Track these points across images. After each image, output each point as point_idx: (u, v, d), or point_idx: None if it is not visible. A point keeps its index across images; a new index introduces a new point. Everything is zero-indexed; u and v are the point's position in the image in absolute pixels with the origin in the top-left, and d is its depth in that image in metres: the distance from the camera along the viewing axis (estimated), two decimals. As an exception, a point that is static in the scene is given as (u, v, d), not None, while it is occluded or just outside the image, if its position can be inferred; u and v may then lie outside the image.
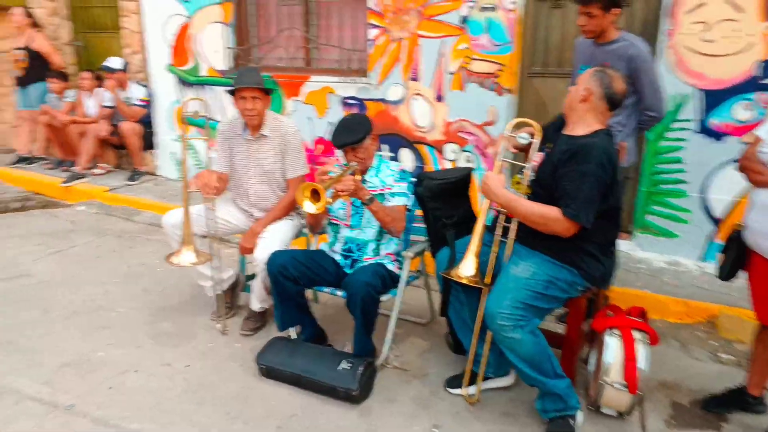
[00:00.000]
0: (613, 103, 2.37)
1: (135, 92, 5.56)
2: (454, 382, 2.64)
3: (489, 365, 2.58)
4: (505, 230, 2.46)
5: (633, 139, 3.09)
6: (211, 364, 2.76)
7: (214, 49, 5.35)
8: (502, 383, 2.63)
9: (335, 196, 2.51)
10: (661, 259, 3.88)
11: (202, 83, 5.49)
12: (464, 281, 2.35)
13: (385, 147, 4.76)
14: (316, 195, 2.36)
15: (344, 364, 2.52)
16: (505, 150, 2.51)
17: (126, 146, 5.59)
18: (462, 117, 4.49)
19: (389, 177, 2.79)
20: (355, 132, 2.68)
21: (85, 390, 2.49)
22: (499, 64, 4.26)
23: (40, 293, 3.41)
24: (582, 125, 2.39)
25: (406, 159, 4.74)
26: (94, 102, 5.76)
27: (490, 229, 2.52)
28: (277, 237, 2.91)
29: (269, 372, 2.63)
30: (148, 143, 5.75)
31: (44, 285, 3.53)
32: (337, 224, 2.86)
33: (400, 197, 2.75)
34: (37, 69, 5.77)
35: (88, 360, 2.73)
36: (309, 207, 2.36)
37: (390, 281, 2.75)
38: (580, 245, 2.35)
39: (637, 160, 3.15)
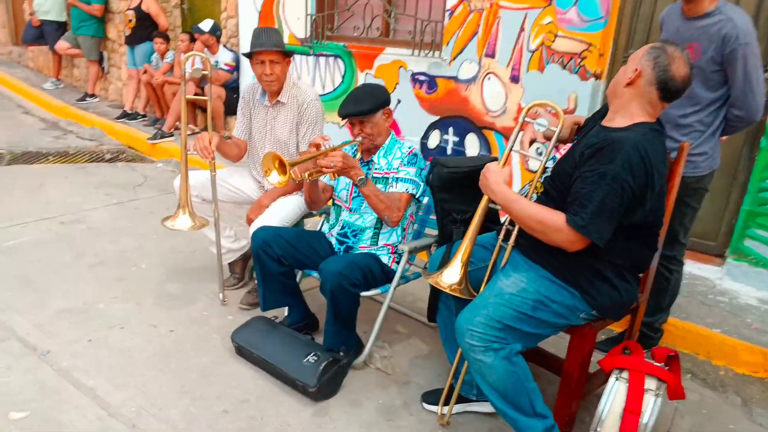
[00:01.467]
0: (667, 90, 1.87)
1: (223, 56, 5.69)
2: (432, 397, 2.32)
3: (473, 385, 2.23)
4: (509, 234, 2.07)
5: (715, 141, 2.48)
6: (194, 332, 2.70)
7: (296, 15, 5.28)
8: (484, 408, 2.26)
9: (317, 172, 2.27)
10: (752, 294, 3.16)
11: (283, 51, 5.46)
12: (445, 289, 2.01)
13: (450, 131, 4.40)
14: (284, 167, 2.14)
15: (311, 358, 2.31)
16: (518, 138, 2.09)
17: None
18: (538, 99, 3.98)
19: (397, 160, 2.49)
20: (363, 102, 2.41)
21: (67, 339, 2.55)
22: (587, 43, 3.69)
23: (82, 239, 3.60)
24: (623, 115, 1.92)
25: (472, 146, 4.34)
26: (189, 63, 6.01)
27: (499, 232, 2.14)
28: (277, 212, 2.75)
29: (240, 351, 2.50)
30: (233, 108, 5.88)
31: (90, 232, 3.72)
32: (339, 205, 2.63)
33: (404, 183, 2.44)
34: (144, 29, 6.15)
35: (87, 310, 2.80)
36: (274, 178, 2.15)
37: (382, 276, 2.47)
38: (591, 264, 1.90)
39: (718, 167, 2.53)
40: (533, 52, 3.93)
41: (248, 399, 2.26)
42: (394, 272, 2.49)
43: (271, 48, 2.70)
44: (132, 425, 2.06)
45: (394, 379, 2.48)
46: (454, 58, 4.30)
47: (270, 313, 2.65)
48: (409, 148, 2.52)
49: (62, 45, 7.21)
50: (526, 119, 2.08)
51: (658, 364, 1.97)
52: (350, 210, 2.57)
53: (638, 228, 1.91)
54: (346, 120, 2.46)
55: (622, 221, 1.83)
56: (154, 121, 6.27)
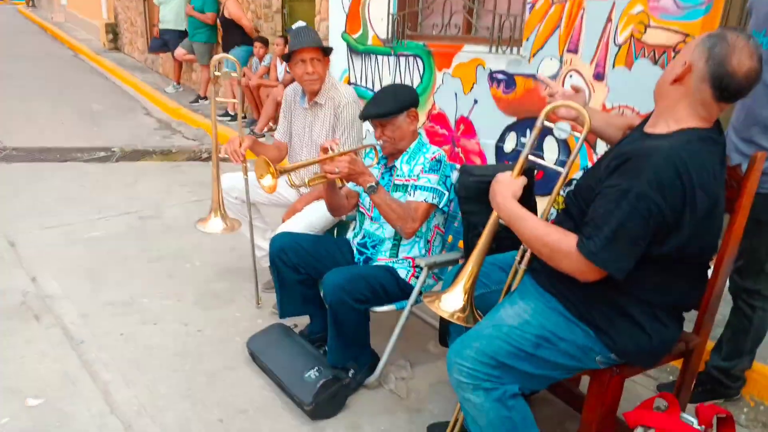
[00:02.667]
0: (723, 89, 1.50)
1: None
2: (438, 429, 2.08)
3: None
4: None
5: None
6: (220, 334, 2.70)
7: (380, 16, 5.20)
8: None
9: (319, 178, 2.13)
10: None
11: (367, 52, 5.42)
12: (445, 316, 1.78)
13: (527, 134, 4.04)
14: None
15: (312, 373, 2.19)
16: (534, 143, 1.80)
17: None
18: (624, 103, 3.51)
19: (419, 166, 2.28)
20: (384, 103, 2.24)
21: (103, 331, 2.67)
22: (683, 33, 3.17)
23: (153, 234, 3.80)
24: (668, 119, 1.58)
25: (551, 150, 3.95)
26: (283, 67, 6.19)
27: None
28: (306, 216, 2.67)
29: (253, 357, 2.45)
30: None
31: (162, 228, 3.93)
32: (363, 213, 2.48)
33: (423, 192, 2.23)
34: (233, 35, 6.46)
35: (131, 304, 2.92)
36: (266, 181, 2.05)
37: (398, 292, 2.28)
38: (613, 299, 1.58)
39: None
40: (620, 46, 3.46)
41: (247, 410, 2.20)
42: (412, 288, 2.28)
43: (311, 45, 2.62)
44: (128, 425, 2.08)
45: (407, 405, 2.28)
46: (534, 55, 3.94)
47: (294, 321, 2.57)
48: (434, 152, 2.30)
49: (180, 51, 7.82)
50: (545, 123, 1.78)
51: (699, 428, 1.58)
52: (371, 218, 2.41)
53: (677, 259, 1.54)
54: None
55: (649, 251, 1.48)
56: (251, 123, 6.54)
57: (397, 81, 5.13)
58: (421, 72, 4.90)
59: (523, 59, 4.00)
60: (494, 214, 1.77)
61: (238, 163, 2.67)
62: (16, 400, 2.18)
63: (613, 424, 1.77)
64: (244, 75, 6.43)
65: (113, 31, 12.03)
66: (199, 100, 7.73)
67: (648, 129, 1.64)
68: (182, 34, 8.01)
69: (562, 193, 2.04)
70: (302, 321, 2.62)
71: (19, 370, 2.34)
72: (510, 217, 1.66)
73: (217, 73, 2.74)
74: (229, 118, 6.87)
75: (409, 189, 2.27)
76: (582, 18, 3.62)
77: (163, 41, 8.24)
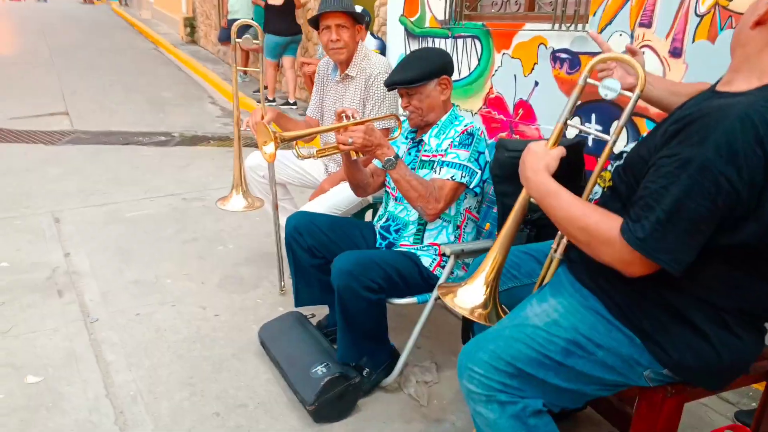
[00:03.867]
0: None
1: (369, 44, 5.56)
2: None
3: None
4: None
5: None
6: (237, 320, 2.53)
7: (437, -5, 4.90)
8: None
9: (331, 149, 1.89)
10: None
11: (424, 35, 5.13)
12: (463, 313, 1.50)
13: (592, 118, 3.62)
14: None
15: (320, 369, 1.96)
16: (574, 107, 1.48)
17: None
18: (706, 80, 3.04)
19: (448, 140, 2.00)
20: (410, 68, 1.97)
21: (119, 309, 2.57)
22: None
23: (192, 216, 3.72)
24: (749, 71, 1.24)
25: (620, 136, 3.50)
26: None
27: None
28: (330, 197, 2.45)
29: (263, 346, 2.26)
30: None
31: (203, 210, 3.84)
32: (388, 193, 2.22)
33: (449, 169, 1.94)
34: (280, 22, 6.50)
35: (154, 284, 2.82)
36: (269, 149, 1.84)
37: (422, 282, 2.01)
38: (669, 299, 1.25)
39: None
40: (702, 16, 2.99)
41: (247, 404, 2.00)
42: (437, 280, 2.00)
43: (336, 9, 2.39)
44: (120, 411, 1.94)
45: (426, 413, 2.00)
46: (602, 30, 3.51)
47: (313, 310, 2.36)
48: (467, 125, 2.00)
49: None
50: (589, 81, 1.45)
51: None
52: (396, 199, 2.14)
53: (754, 251, 1.17)
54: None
55: (718, 240, 1.13)
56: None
57: (455, 64, 4.82)
58: (479, 54, 4.56)
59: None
60: (524, 191, 1.46)
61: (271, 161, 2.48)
62: (16, 376, 2.10)
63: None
64: (302, 65, 6.33)
65: (191, 24, 12.42)
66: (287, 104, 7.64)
67: (721, 87, 1.29)
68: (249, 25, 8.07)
69: (609, 169, 1.69)
70: (323, 311, 2.40)
71: (27, 346, 2.28)
72: (540, 193, 1.35)
73: (238, 41, 2.57)
74: (288, 106, 6.79)
75: (435, 165, 1.99)
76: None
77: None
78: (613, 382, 1.32)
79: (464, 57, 4.75)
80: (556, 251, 1.48)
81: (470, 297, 1.50)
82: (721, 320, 1.23)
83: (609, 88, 1.41)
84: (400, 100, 2.10)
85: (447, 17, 4.78)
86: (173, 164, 4.92)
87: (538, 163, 1.38)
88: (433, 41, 4.97)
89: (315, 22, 2.48)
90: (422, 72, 1.96)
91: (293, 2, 6.80)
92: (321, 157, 1.92)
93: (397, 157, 1.88)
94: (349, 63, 2.53)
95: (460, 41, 4.72)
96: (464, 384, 1.36)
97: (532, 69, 4.02)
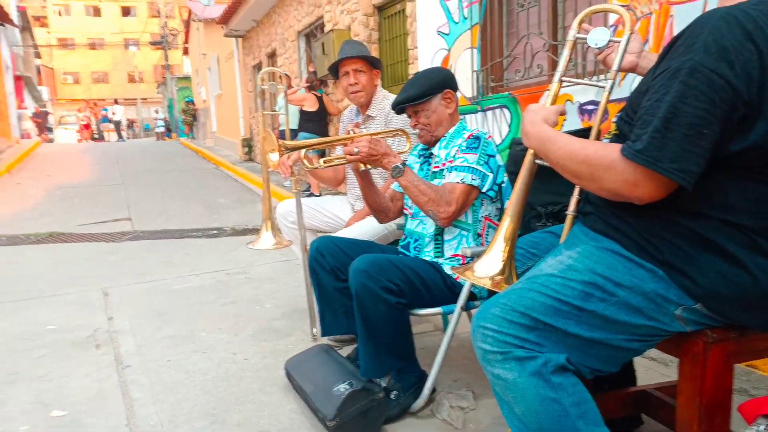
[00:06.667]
0: None
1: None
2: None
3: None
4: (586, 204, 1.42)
5: None
6: (266, 362, 2.46)
7: (465, 76, 5.16)
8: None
9: (337, 159, 1.93)
10: None
11: (457, 112, 5.33)
12: (479, 283, 1.43)
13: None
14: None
15: (343, 386, 1.84)
16: (566, 64, 1.48)
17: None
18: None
19: (455, 147, 2.01)
20: (413, 86, 2.05)
21: (152, 358, 2.56)
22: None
23: (233, 286, 3.77)
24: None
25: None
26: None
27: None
28: (354, 228, 2.45)
29: (288, 377, 2.16)
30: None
31: (244, 281, 3.90)
32: (406, 214, 2.21)
33: (458, 172, 1.93)
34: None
35: (189, 336, 2.82)
36: (273, 157, 1.89)
37: (446, 290, 1.93)
38: (688, 224, 1.16)
39: None
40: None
41: (269, 431, 1.88)
42: (460, 287, 1.91)
43: (353, 55, 2.56)
44: (138, 437, 1.87)
45: (459, 437, 1.81)
46: (625, 77, 3.56)
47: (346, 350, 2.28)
48: (472, 131, 2.01)
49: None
50: (578, 36, 1.46)
51: None
52: (412, 216, 2.13)
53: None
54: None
55: (729, 146, 1.07)
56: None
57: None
58: (509, 120, 4.67)
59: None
60: (529, 152, 1.43)
61: (286, 176, 2.58)
62: (43, 411, 2.09)
63: (727, 427, 1.21)
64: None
65: (248, 144, 13.43)
66: (311, 194, 8.09)
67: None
68: (296, 132, 8.67)
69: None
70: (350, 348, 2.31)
71: (58, 388, 2.28)
72: (539, 141, 1.32)
73: (264, 87, 2.76)
74: (313, 197, 7.06)
75: (444, 172, 1.98)
76: (671, 26, 3.24)
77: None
78: (644, 330, 1.19)
79: (495, 127, 4.87)
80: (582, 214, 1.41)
81: (488, 267, 1.42)
82: (752, 243, 1.11)
83: (599, 38, 1.42)
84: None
85: (475, 93, 4.99)
86: (222, 249, 5.08)
87: (536, 116, 1.37)
88: (464, 118, 5.15)
89: (335, 71, 2.66)
90: (424, 88, 2.03)
91: (325, 110, 7.52)
92: (328, 166, 1.97)
93: (404, 164, 1.90)
94: (369, 105, 2.66)
95: (489, 113, 4.87)
96: (477, 345, 1.25)
97: (563, 125, 4.05)
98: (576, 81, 1.53)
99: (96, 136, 26.50)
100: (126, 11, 41.88)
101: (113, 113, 25.85)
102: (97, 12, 41.62)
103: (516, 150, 2.05)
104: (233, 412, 2.03)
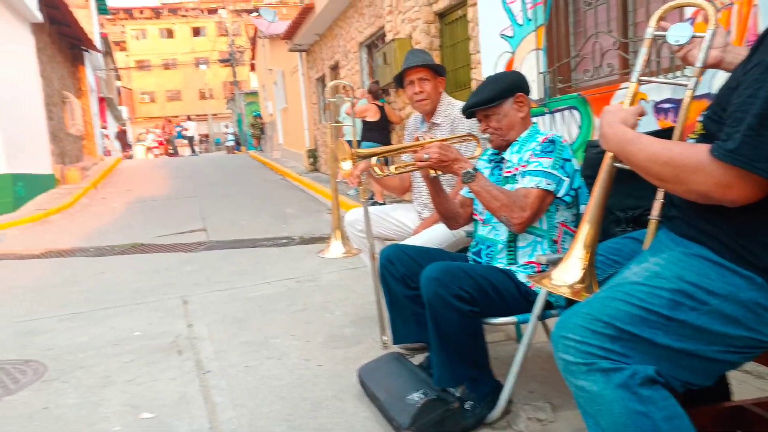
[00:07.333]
0: None
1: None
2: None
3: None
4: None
5: None
6: (339, 369, 2.50)
7: (531, 78, 5.06)
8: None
9: (408, 166, 1.93)
10: None
11: (523, 116, 5.24)
12: (557, 291, 1.40)
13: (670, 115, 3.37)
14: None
15: (417, 395, 1.85)
16: (644, 61, 1.42)
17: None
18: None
19: (528, 152, 1.97)
20: (483, 90, 2.03)
21: (230, 363, 2.66)
22: None
23: (303, 293, 3.86)
24: None
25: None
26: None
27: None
28: (423, 234, 2.46)
29: (362, 384, 2.18)
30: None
31: (314, 288, 3.98)
32: (477, 220, 2.18)
33: (532, 177, 1.89)
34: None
35: (263, 343, 2.91)
36: (345, 165, 1.92)
37: (520, 299, 1.89)
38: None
39: None
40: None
41: (339, 440, 1.91)
42: (536, 296, 1.86)
43: (417, 64, 2.58)
44: (221, 440, 1.94)
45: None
46: (703, 72, 3.38)
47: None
48: (547, 134, 1.97)
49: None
50: (656, 33, 1.40)
51: None
52: (483, 222, 2.10)
53: None
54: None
55: None
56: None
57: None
58: (578, 122, 4.54)
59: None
60: (607, 155, 1.39)
61: (354, 185, 2.61)
62: (133, 413, 2.21)
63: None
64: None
65: (313, 155, 13.74)
66: (375, 203, 8.18)
67: None
68: (359, 143, 8.81)
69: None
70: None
71: (146, 391, 2.41)
72: (618, 144, 1.28)
73: (331, 99, 2.81)
74: (377, 205, 7.10)
75: (517, 176, 1.95)
76: (755, 16, 3.05)
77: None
78: (741, 341, 1.12)
79: (564, 129, 4.75)
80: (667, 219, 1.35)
81: (566, 275, 1.39)
82: None
83: (679, 34, 1.36)
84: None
85: (542, 95, 4.88)
86: (291, 258, 5.22)
87: (614, 118, 1.33)
88: (536, 121, 5.05)
89: (399, 80, 2.67)
90: (495, 92, 2.01)
91: (387, 120, 7.58)
92: (399, 173, 1.98)
93: (475, 169, 1.88)
94: (433, 113, 2.66)
95: (557, 115, 4.75)
96: (559, 356, 1.22)
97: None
98: (656, 80, 1.49)
99: (171, 151, 27.93)
100: (196, 32, 44.05)
101: (186, 129, 27.19)
102: (170, 34, 44.04)
103: (592, 153, 1.98)
104: (309, 418, 2.07)
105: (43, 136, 10.97)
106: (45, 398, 2.41)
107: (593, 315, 1.18)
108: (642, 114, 1.37)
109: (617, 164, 1.37)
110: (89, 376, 2.62)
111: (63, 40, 13.89)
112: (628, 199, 1.83)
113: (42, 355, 2.93)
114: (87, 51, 15.96)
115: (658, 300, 1.14)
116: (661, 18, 1.41)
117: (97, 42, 18.52)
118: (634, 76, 1.42)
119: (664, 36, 1.40)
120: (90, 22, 18.09)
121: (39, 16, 10.59)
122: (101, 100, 21.68)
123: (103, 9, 21.67)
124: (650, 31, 1.41)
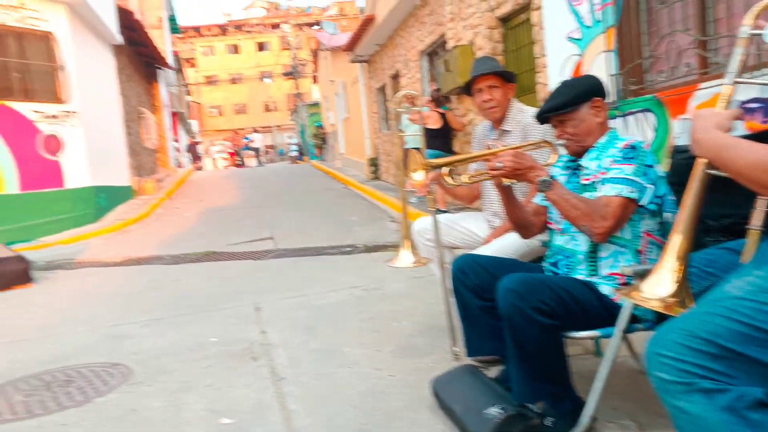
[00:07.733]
0: None
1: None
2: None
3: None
4: None
5: None
6: (410, 379, 2.49)
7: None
8: None
9: (481, 175, 1.90)
10: None
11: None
12: (646, 305, 1.35)
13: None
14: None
15: (495, 410, 1.80)
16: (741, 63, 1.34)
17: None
18: None
19: (608, 158, 1.90)
20: (558, 95, 1.98)
21: (303, 371, 2.71)
22: None
23: (370, 301, 3.89)
24: None
25: None
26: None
27: None
28: (494, 243, 2.42)
29: (436, 396, 2.16)
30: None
31: (380, 297, 4.00)
32: (553, 229, 2.12)
33: (613, 185, 1.82)
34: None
35: (333, 351, 2.95)
36: (417, 176, 1.90)
37: (603, 312, 1.83)
38: None
39: None
40: None
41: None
42: (618, 309, 1.79)
43: (486, 71, 2.55)
44: (298, 447, 1.97)
45: (623, 467, 1.69)
46: (795, 69, 3.17)
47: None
48: (628, 140, 1.89)
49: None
50: (752, 32, 1.32)
51: None
52: (561, 231, 2.04)
53: None
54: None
55: None
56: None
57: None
58: (654, 125, 4.34)
59: None
60: (699, 161, 1.32)
61: (422, 194, 2.61)
62: (213, 418, 2.29)
63: None
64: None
65: (374, 163, 13.85)
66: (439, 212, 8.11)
67: None
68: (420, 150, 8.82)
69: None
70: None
71: (224, 396, 2.49)
72: (714, 150, 1.21)
73: (399, 109, 2.82)
74: (439, 213, 7.05)
75: (597, 184, 1.88)
76: None
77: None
78: None
79: (638, 132, 4.56)
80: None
81: (657, 288, 1.33)
82: None
83: (780, 33, 1.27)
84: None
85: (614, 98, 4.71)
86: (357, 266, 5.27)
87: (708, 122, 1.26)
88: (614, 127, 4.88)
89: (468, 89, 2.65)
90: (571, 97, 1.95)
91: (449, 127, 7.53)
92: (473, 183, 1.95)
93: (552, 177, 1.83)
94: (503, 120, 2.62)
95: (630, 118, 4.57)
96: (654, 375, 1.16)
97: (718, 126, 3.69)
98: (754, 81, 1.38)
99: (238, 162, 28.95)
100: (261, 46, 45.61)
101: (253, 141, 28.12)
102: (236, 50, 45.82)
103: (679, 159, 1.89)
104: (384, 428, 2.08)
105: (123, 150, 11.64)
106: (133, 401, 2.54)
107: (692, 331, 1.12)
108: (738, 117, 1.29)
109: (710, 171, 1.30)
110: (172, 380, 2.74)
111: (140, 59, 14.72)
112: (720, 207, 1.73)
113: (128, 359, 3.09)
114: (161, 68, 16.84)
115: (765, 316, 1.07)
116: (758, 16, 1.32)
117: (170, 60, 19.50)
118: (729, 77, 1.34)
119: (760, 35, 1.32)
120: (163, 41, 19.08)
121: (119, 39, 11.29)
122: (173, 114, 22.79)
123: (174, 28, 22.85)
124: (746, 29, 1.33)
